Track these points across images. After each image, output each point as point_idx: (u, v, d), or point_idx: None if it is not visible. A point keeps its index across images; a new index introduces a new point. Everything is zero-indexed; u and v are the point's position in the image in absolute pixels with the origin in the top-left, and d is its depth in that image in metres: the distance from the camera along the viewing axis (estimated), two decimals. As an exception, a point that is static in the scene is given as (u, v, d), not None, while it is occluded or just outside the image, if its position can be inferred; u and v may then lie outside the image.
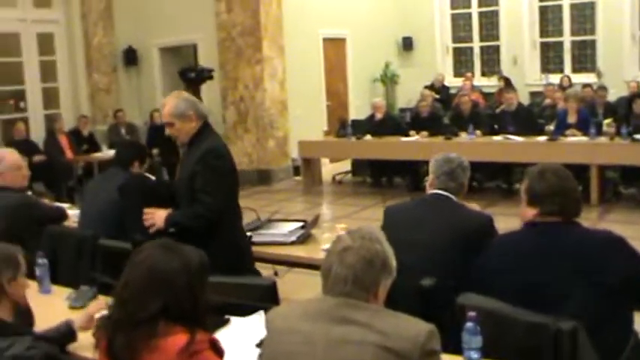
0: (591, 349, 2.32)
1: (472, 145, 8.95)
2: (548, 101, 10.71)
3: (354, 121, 11.04)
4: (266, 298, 2.92)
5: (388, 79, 13.91)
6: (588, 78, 12.23)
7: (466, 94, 10.59)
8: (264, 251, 4.18)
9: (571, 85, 11.59)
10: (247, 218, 4.40)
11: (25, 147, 8.77)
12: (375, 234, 2.03)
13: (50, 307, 3.14)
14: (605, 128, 8.96)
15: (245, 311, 2.80)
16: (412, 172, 9.73)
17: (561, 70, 13.07)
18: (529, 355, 2.38)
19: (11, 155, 4.38)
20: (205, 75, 10.09)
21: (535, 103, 11.57)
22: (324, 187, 10.75)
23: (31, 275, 3.10)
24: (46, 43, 11.48)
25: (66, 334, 2.68)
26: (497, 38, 13.84)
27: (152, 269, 2.05)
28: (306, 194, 10.26)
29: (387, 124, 10.19)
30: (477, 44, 14.20)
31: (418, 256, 3.05)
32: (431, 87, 12.51)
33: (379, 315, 1.92)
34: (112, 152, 10.06)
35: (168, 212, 3.61)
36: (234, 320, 2.78)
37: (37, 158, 9.86)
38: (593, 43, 12.90)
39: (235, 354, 2.42)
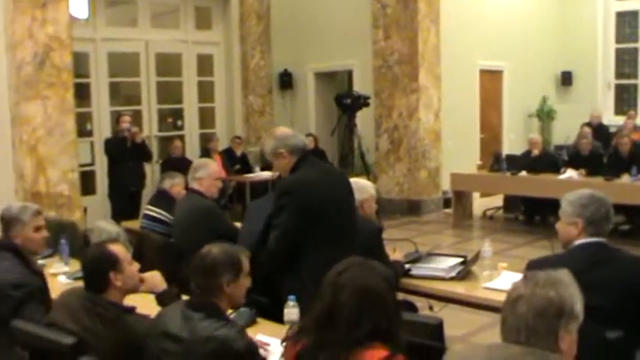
0: None
1: (634, 188, 8.43)
2: None
3: (508, 156, 10.71)
4: (434, 336, 2.92)
5: (544, 114, 13.40)
6: None
7: (625, 135, 10.02)
8: (421, 284, 4.09)
9: None
10: (404, 249, 4.45)
11: (181, 164, 8.90)
12: (551, 279, 1.91)
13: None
14: None
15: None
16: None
17: None
18: None
19: (214, 165, 4.82)
20: (361, 102, 9.99)
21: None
22: (474, 222, 10.46)
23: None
24: (205, 64, 11.84)
25: None
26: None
27: (363, 289, 2.09)
28: (456, 228, 10.03)
29: (544, 161, 9.84)
30: (642, 81, 13.45)
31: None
32: (588, 124, 11.90)
33: None
34: (264, 174, 10.29)
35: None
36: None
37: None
38: None
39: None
